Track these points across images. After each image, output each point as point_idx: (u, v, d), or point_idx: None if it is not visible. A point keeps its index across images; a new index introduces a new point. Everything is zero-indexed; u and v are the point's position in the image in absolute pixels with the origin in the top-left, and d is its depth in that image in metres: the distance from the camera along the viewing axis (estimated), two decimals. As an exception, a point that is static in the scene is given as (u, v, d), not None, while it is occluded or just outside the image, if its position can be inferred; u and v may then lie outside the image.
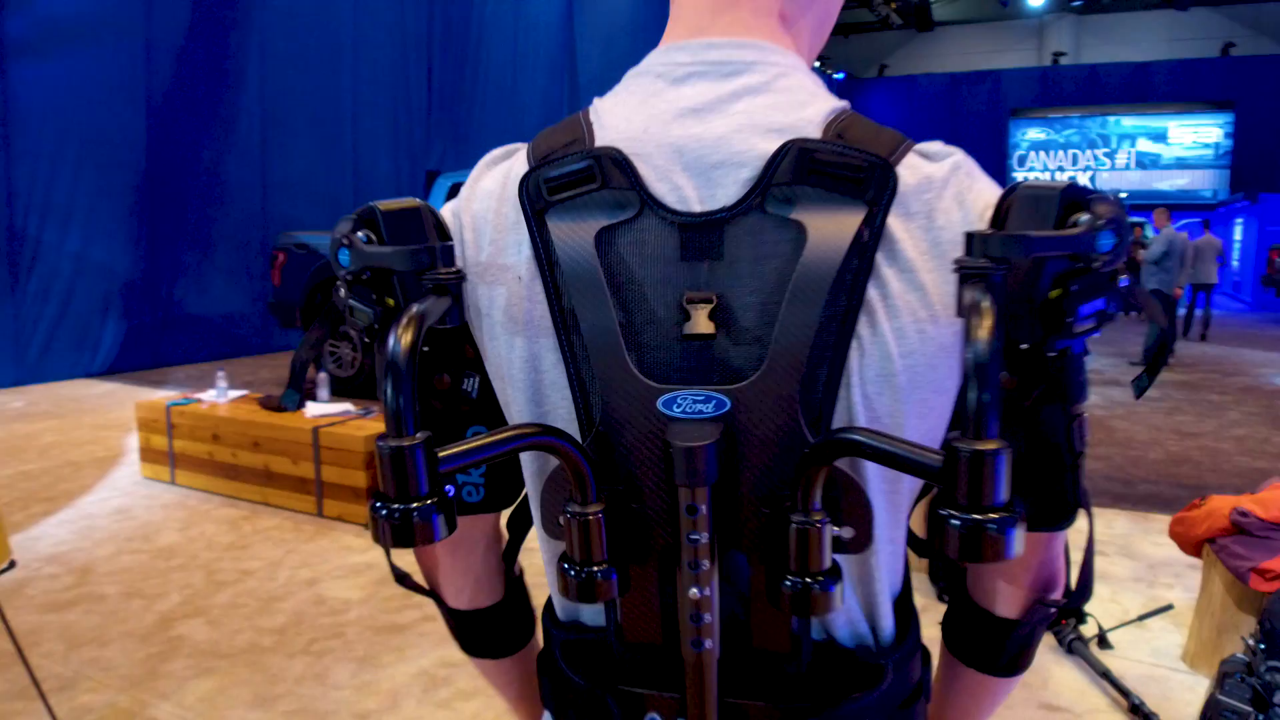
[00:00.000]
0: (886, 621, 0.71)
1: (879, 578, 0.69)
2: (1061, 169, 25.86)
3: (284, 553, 4.28)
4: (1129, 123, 25.33)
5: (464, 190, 0.75)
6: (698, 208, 0.66)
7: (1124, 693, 2.90)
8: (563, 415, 0.68)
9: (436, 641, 3.35)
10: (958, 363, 0.65)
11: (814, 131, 0.65)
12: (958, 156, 0.67)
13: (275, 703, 2.92)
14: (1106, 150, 25.72)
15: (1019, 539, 0.53)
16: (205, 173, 10.37)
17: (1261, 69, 23.24)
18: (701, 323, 0.64)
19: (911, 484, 0.69)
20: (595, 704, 0.72)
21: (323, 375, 5.49)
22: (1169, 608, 3.48)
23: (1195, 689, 3.00)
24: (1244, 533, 3.03)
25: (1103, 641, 3.33)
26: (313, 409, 5.16)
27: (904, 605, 0.74)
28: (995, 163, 25.44)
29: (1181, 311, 12.50)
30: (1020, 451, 0.67)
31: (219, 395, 5.49)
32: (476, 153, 12.18)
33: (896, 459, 0.57)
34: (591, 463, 0.62)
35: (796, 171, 0.64)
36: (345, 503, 4.75)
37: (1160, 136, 25.22)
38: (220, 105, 10.41)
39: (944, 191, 0.65)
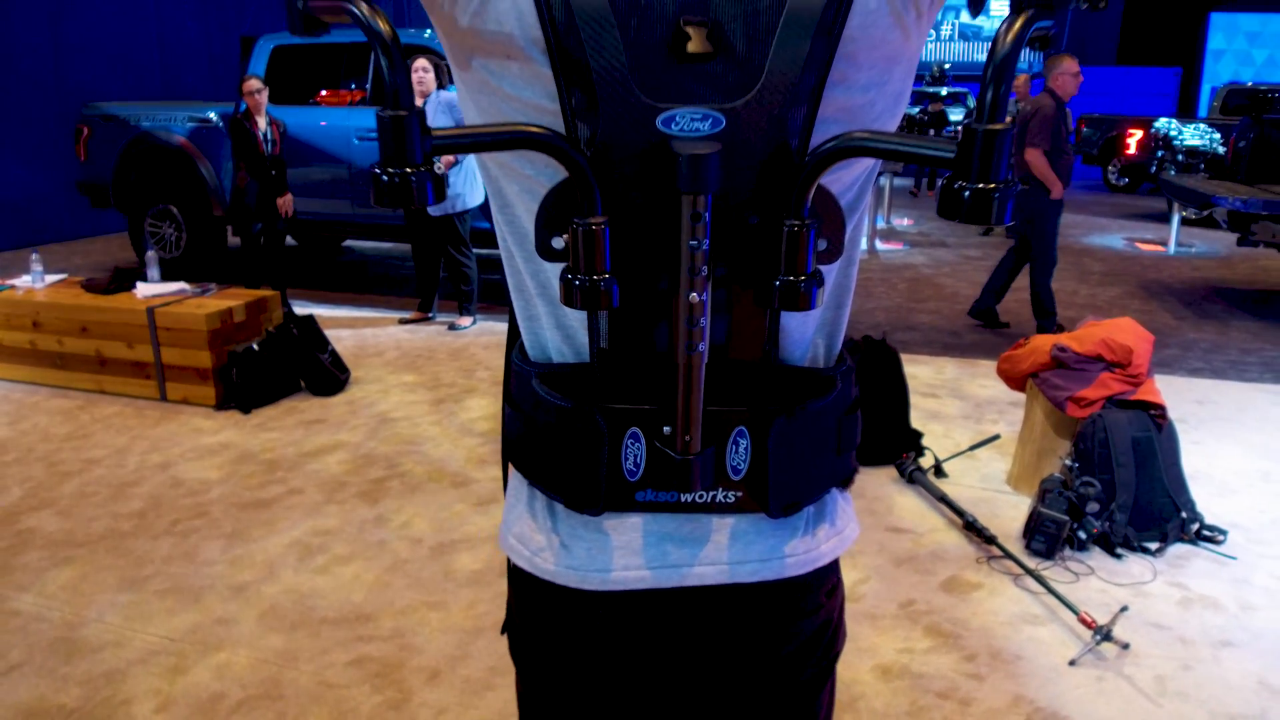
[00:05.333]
0: (836, 342, 0.83)
1: (840, 297, 0.82)
2: (890, 40, 26.46)
3: (130, 439, 4.08)
4: (953, -6, 26.00)
5: None
6: None
7: (958, 513, 3.21)
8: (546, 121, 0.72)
9: (306, 513, 3.33)
10: (907, 95, 0.77)
11: None
12: None
13: (145, 584, 2.85)
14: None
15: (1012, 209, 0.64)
16: (-16, 36, 9.24)
17: (1073, -59, 24.20)
18: (699, 42, 0.68)
19: (862, 214, 0.81)
20: (579, 426, 0.77)
21: (151, 254, 5.13)
22: (996, 438, 3.84)
23: (1018, 507, 3.36)
24: (1062, 366, 3.35)
25: (939, 471, 3.66)
26: (144, 289, 4.85)
27: (842, 339, 0.86)
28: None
29: None
30: None
31: (35, 280, 5.07)
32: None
33: (909, 154, 0.65)
34: (596, 175, 0.67)
35: None
36: (190, 384, 4.54)
37: (983, 9, 26.07)
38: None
39: None
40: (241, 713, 2.24)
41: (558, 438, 0.79)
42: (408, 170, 0.63)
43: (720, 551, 0.82)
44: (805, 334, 0.81)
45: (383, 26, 0.62)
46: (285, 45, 7.21)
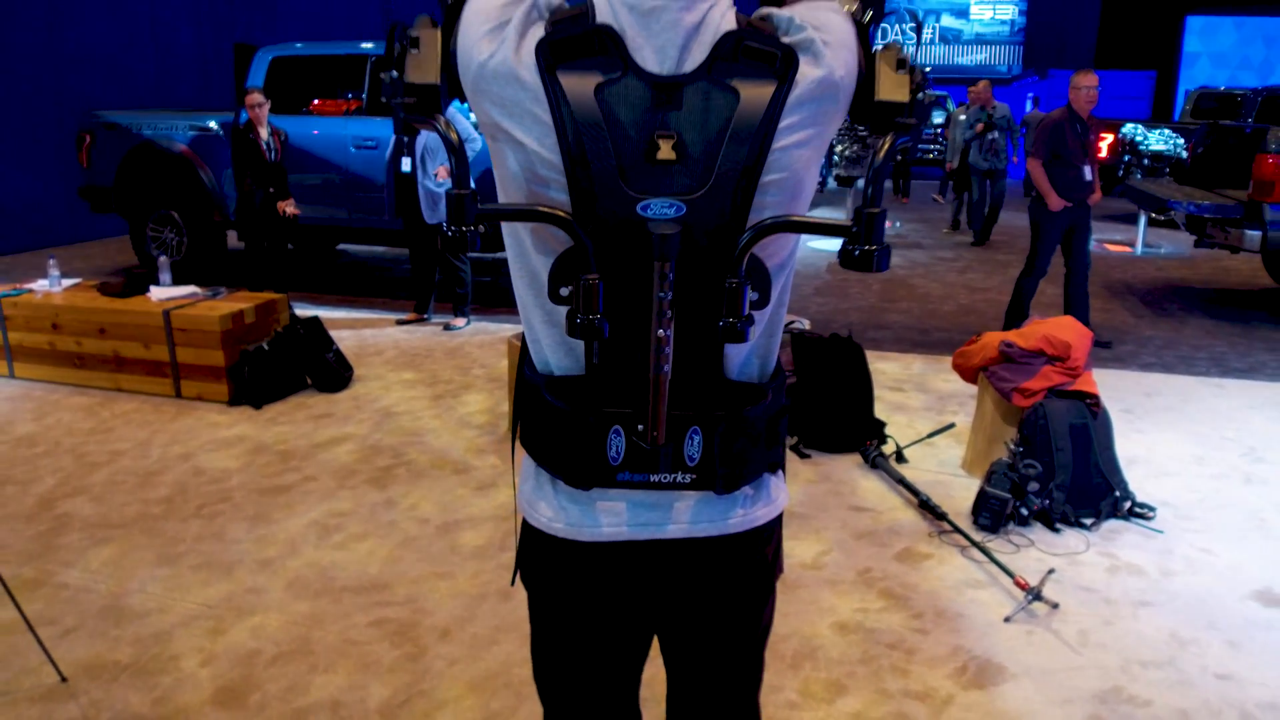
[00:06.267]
0: (769, 364, 1.13)
1: (771, 330, 1.13)
2: (871, 43, 26.84)
3: (150, 433, 4.38)
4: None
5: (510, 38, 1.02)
6: (664, 73, 1.00)
7: (914, 493, 3.55)
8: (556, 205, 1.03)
9: (321, 497, 3.63)
10: (815, 180, 1.09)
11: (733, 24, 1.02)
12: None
13: (179, 560, 3.16)
14: (912, 25, 26.79)
15: (888, 260, 1.00)
16: (-14, 47, 9.46)
17: (1050, -52, 24.61)
18: (667, 151, 0.99)
19: (789, 271, 1.11)
20: (575, 424, 1.07)
21: (163, 259, 5.42)
22: (951, 426, 4.19)
23: (970, 488, 3.69)
24: (1009, 360, 3.69)
25: (899, 457, 4.00)
26: (157, 293, 5.13)
27: (775, 360, 1.16)
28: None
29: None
30: None
31: (52, 284, 5.34)
32: (285, 22, 11.57)
33: (819, 227, 1.00)
34: (593, 245, 0.98)
35: (730, 53, 0.99)
36: (204, 382, 4.84)
37: (962, 13, 26.50)
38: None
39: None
40: (278, 665, 2.55)
41: (559, 432, 1.09)
42: (464, 228, 0.99)
43: (681, 516, 1.12)
44: (743, 358, 1.10)
45: (453, 136, 0.99)
46: (283, 57, 7.49)
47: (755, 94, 0.99)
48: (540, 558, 1.18)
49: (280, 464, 3.98)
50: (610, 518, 1.11)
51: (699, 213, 0.99)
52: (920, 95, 1.03)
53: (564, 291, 1.03)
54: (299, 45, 7.63)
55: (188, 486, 3.75)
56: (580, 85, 0.98)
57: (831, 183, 12.25)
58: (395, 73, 1.02)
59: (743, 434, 1.08)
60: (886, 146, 0.99)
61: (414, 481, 3.80)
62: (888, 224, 11.51)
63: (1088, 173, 5.77)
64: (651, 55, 1.00)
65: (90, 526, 3.41)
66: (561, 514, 1.13)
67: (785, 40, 1.01)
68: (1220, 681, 2.54)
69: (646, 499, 1.11)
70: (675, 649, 1.25)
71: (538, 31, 1.00)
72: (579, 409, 1.07)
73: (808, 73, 1.01)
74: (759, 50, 0.99)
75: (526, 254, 1.08)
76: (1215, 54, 21.46)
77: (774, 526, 1.21)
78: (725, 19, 1.03)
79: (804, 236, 1.08)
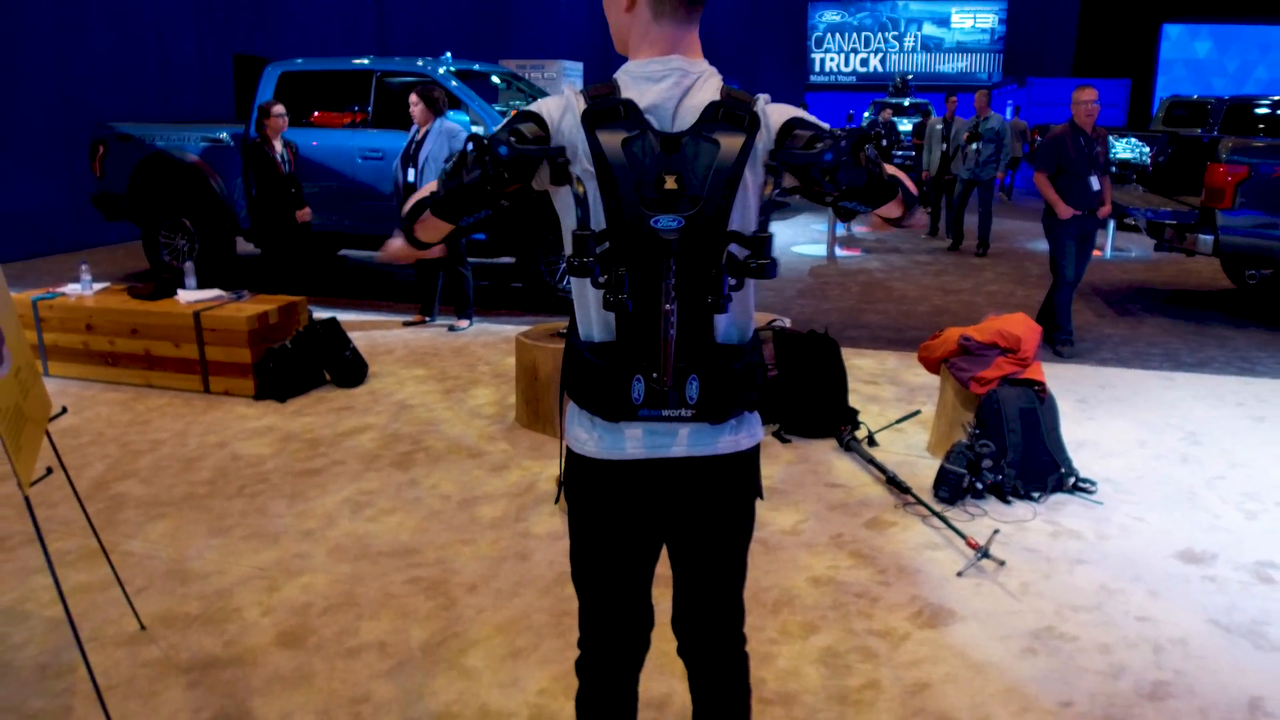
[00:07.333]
0: (747, 332, 1.56)
1: (745, 306, 1.55)
2: (855, 50, 27.37)
3: (185, 424, 4.76)
4: (916, 8, 27.01)
5: (550, 112, 1.49)
6: (668, 130, 1.44)
7: (883, 471, 3.97)
8: (597, 223, 1.46)
9: (350, 479, 4.03)
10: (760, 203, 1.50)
11: (718, 95, 1.45)
12: (766, 99, 1.49)
13: (230, 531, 3.55)
14: (896, 33, 27.37)
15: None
16: (-3, 60, 9.81)
17: (1029, -41, 25.18)
18: (670, 184, 1.41)
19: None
20: (609, 374, 1.50)
21: (189, 265, 5.80)
22: (917, 413, 4.62)
23: (934, 468, 4.11)
24: (967, 352, 4.12)
25: (871, 441, 4.43)
26: (185, 296, 5.52)
27: (751, 330, 1.58)
28: (795, 44, 26.64)
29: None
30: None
31: (84, 288, 5.72)
32: (284, 33, 11.97)
33: (750, 244, 1.45)
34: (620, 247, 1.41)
35: (714, 116, 1.43)
36: (231, 378, 5.23)
37: (944, 21, 27.08)
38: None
39: (768, 121, 1.47)
40: (329, 614, 2.95)
41: (597, 381, 1.51)
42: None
43: (683, 440, 1.55)
44: (725, 327, 1.53)
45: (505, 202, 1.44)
46: (291, 71, 7.88)
47: (730, 144, 1.43)
48: (580, 477, 1.60)
49: (309, 450, 4.37)
50: (633, 443, 1.54)
51: (693, 225, 1.42)
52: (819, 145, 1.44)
53: (601, 279, 1.44)
54: (300, 61, 8.02)
55: (228, 470, 4.14)
56: (611, 140, 1.42)
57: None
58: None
59: (727, 381, 1.52)
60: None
61: (433, 464, 4.20)
62: (865, 228, 11.81)
63: (1094, 183, 5.99)
64: (657, 119, 1.45)
65: (144, 505, 3.79)
66: (598, 441, 1.55)
67: (755, 108, 1.44)
68: (1139, 622, 2.97)
69: (659, 428, 1.54)
70: (679, 551, 1.66)
71: (580, 104, 1.45)
72: (612, 364, 1.49)
73: (764, 130, 1.46)
74: (732, 114, 1.44)
75: (583, 254, 1.49)
76: (1192, 62, 21.86)
77: (753, 456, 1.63)
78: (710, 88, 1.47)
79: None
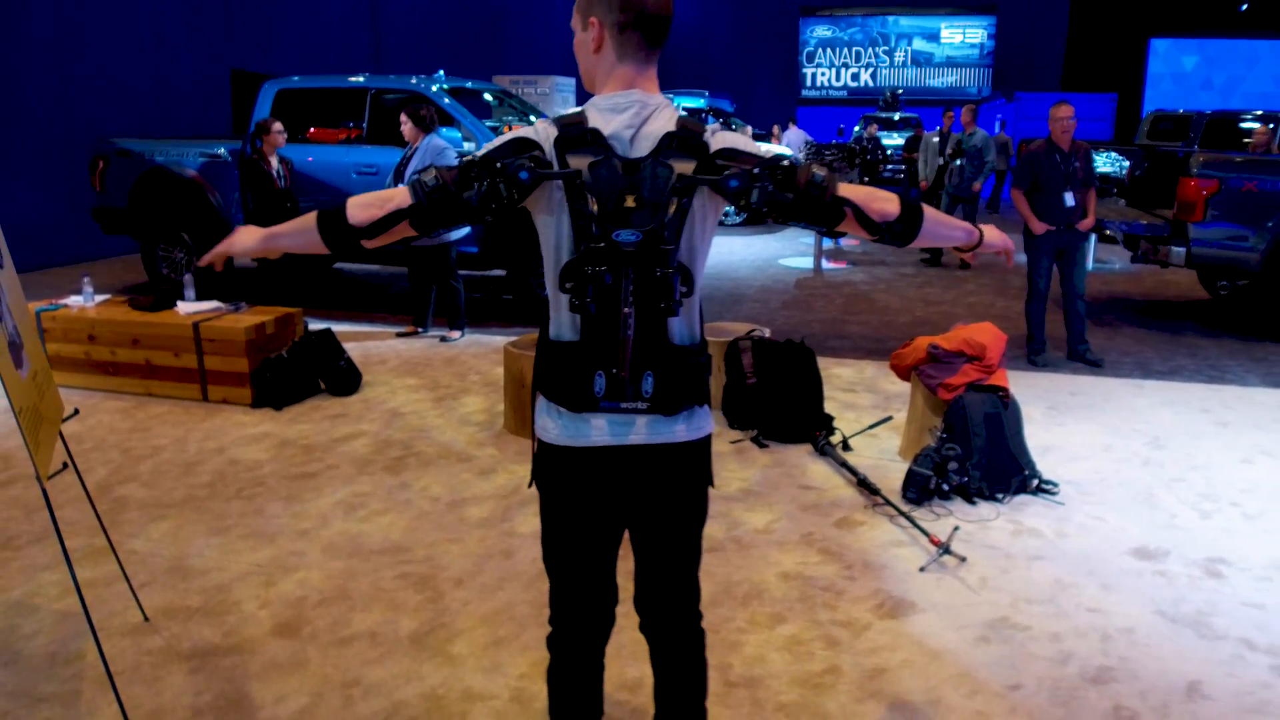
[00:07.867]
0: (696, 334, 1.75)
1: (693, 313, 1.73)
2: (846, 65, 27.68)
3: (185, 431, 4.93)
4: (906, 23, 27.34)
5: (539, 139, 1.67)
6: (631, 156, 1.63)
7: (854, 474, 4.15)
8: (566, 235, 1.65)
9: (343, 482, 4.19)
10: (714, 227, 1.70)
11: (673, 126, 1.64)
12: (715, 128, 1.68)
13: (229, 531, 3.71)
14: (886, 48, 27.69)
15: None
16: (-3, 76, 9.99)
17: (1017, -25, 25.52)
18: (630, 202, 1.60)
19: (702, 273, 1.72)
20: (574, 370, 1.68)
21: (188, 278, 5.97)
22: (889, 419, 4.80)
23: (904, 471, 4.28)
24: (935, 360, 4.31)
25: (845, 446, 4.60)
26: (184, 307, 5.70)
27: (700, 332, 1.77)
28: (787, 59, 26.94)
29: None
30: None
31: (86, 299, 5.89)
32: (280, 49, 12.24)
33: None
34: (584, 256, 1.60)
35: (669, 145, 1.62)
36: (229, 387, 5.40)
37: (933, 36, 27.41)
38: (3, 3, 9.98)
39: (711, 150, 1.66)
40: (323, 606, 3.12)
41: (564, 376, 1.69)
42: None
43: (641, 429, 1.73)
44: (677, 329, 1.72)
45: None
46: (288, 88, 8.07)
47: (682, 168, 1.62)
48: (548, 464, 1.78)
49: (305, 455, 4.54)
50: (596, 431, 1.72)
51: (650, 238, 1.60)
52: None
53: (568, 285, 1.63)
54: (296, 78, 8.22)
55: (226, 474, 4.31)
56: (579, 164, 1.61)
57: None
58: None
59: (679, 376, 1.71)
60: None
61: (424, 468, 4.37)
62: (853, 241, 12.09)
63: (1069, 199, 6.12)
64: (619, 144, 1.64)
65: (146, 506, 3.96)
66: (563, 429, 1.73)
67: (704, 138, 1.63)
68: (1090, 613, 3.14)
69: (619, 418, 1.72)
70: (639, 533, 1.84)
71: (553, 132, 1.65)
72: (577, 360, 1.68)
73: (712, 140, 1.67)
74: (685, 142, 1.63)
75: (555, 263, 1.70)
76: (1179, 76, 22.10)
77: (704, 445, 1.81)
78: (665, 118, 1.67)
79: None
